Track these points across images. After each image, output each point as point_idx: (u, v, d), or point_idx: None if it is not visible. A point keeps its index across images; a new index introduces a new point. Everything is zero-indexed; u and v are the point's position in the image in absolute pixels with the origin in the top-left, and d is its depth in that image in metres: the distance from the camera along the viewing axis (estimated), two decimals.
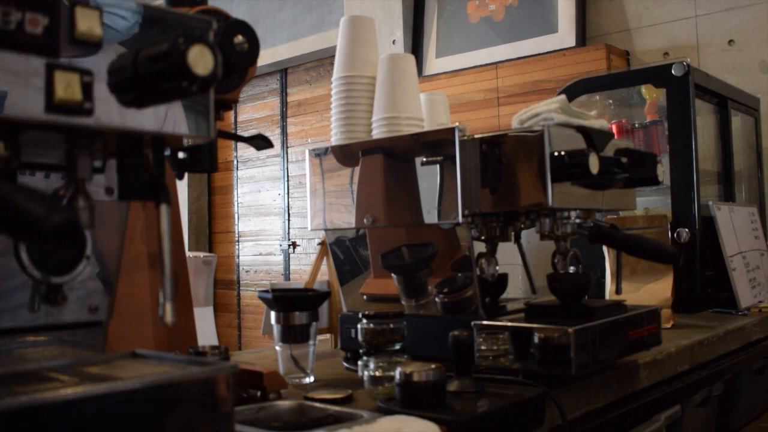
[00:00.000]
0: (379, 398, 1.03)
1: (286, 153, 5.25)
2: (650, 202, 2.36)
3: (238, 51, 0.86)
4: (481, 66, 3.82)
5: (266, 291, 1.29)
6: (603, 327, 1.18)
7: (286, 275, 5.15)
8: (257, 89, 5.44)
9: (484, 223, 1.27)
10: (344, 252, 1.45)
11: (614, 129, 2.50)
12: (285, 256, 5.20)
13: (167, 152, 0.86)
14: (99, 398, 0.64)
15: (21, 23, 0.60)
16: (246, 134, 1.07)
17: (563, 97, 1.32)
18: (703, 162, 2.27)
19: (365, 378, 1.14)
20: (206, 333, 4.80)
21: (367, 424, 0.87)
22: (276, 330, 1.27)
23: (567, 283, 1.29)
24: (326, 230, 1.47)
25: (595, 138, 1.27)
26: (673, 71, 2.17)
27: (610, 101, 2.77)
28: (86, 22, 0.64)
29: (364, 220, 1.36)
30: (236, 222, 5.58)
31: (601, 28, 3.76)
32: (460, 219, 1.21)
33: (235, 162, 5.58)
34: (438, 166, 1.25)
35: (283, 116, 5.28)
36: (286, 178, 5.25)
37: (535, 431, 1.06)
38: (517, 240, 1.36)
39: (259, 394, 1.04)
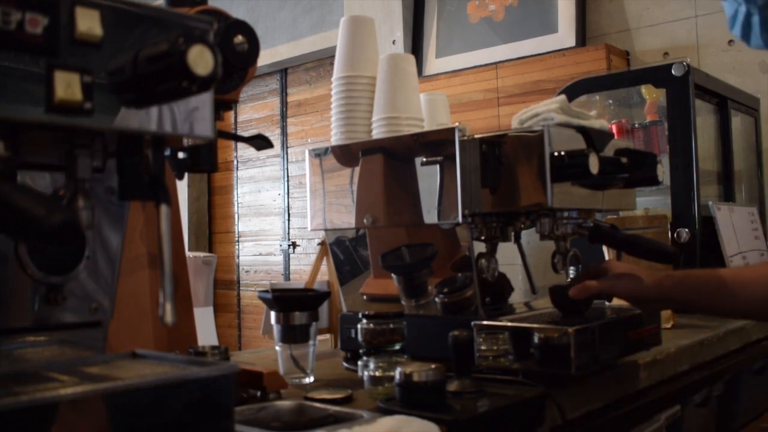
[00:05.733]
0: (379, 398, 1.03)
1: (286, 153, 5.25)
2: (650, 202, 2.36)
3: (238, 51, 0.86)
4: (481, 66, 3.82)
5: (266, 291, 1.29)
6: (603, 327, 1.18)
7: (286, 275, 5.15)
8: (257, 89, 5.43)
9: (484, 223, 1.27)
10: (344, 252, 1.45)
11: (614, 129, 2.50)
12: (285, 256, 5.20)
13: (167, 152, 0.86)
14: (99, 398, 0.64)
15: (21, 23, 0.60)
16: (246, 134, 1.07)
17: (563, 97, 1.32)
18: (703, 162, 2.27)
19: (365, 378, 1.14)
20: (206, 333, 4.79)
21: (367, 424, 0.87)
22: (276, 330, 1.27)
23: (569, 297, 1.29)
24: (326, 230, 1.47)
25: (595, 138, 1.27)
26: (673, 71, 2.17)
27: (610, 101, 2.77)
28: (86, 22, 0.64)
29: (364, 220, 1.36)
30: (236, 222, 5.57)
31: (601, 28, 3.76)
32: (460, 219, 1.21)
33: (235, 162, 5.58)
34: (438, 166, 1.25)
35: (283, 116, 5.28)
36: (286, 178, 5.25)
37: (535, 431, 1.06)
38: (517, 240, 1.36)
39: (259, 394, 1.04)
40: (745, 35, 1.09)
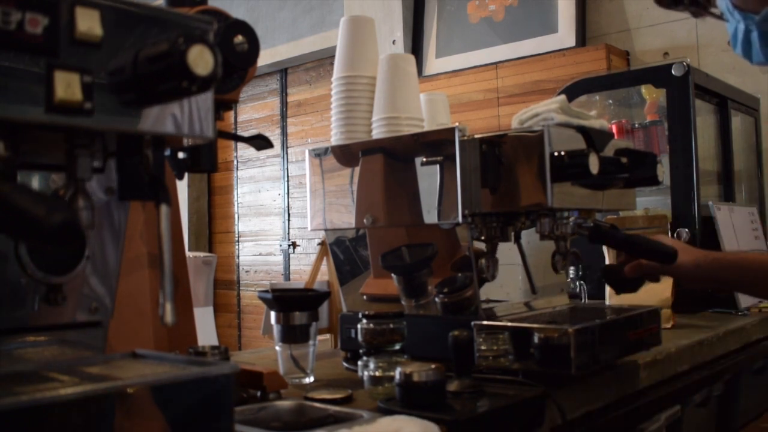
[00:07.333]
0: (379, 398, 1.03)
1: (286, 153, 5.25)
2: (650, 202, 2.36)
3: (238, 51, 0.86)
4: (481, 66, 3.82)
5: (266, 291, 1.29)
6: (603, 327, 1.18)
7: (286, 275, 5.15)
8: (257, 89, 5.43)
9: (484, 223, 1.27)
10: (344, 252, 1.45)
11: (614, 129, 2.50)
12: (285, 256, 5.20)
13: (167, 152, 0.86)
14: (99, 398, 0.64)
15: (21, 23, 0.60)
16: (246, 134, 1.07)
17: (563, 97, 1.32)
18: (703, 162, 2.27)
19: (365, 378, 1.14)
20: (206, 333, 4.79)
21: (367, 424, 0.87)
22: (276, 330, 1.27)
23: (623, 275, 1.37)
24: (326, 230, 1.47)
25: (595, 138, 1.27)
26: (673, 71, 2.17)
27: (610, 101, 2.77)
28: (86, 22, 0.64)
29: (364, 220, 1.36)
30: (236, 222, 5.57)
31: (601, 28, 3.75)
32: (460, 219, 1.21)
33: (235, 162, 5.58)
34: (438, 166, 1.25)
35: (283, 116, 5.28)
36: (286, 178, 5.25)
37: (535, 431, 1.06)
38: (517, 240, 1.36)
39: (259, 394, 1.04)
40: (746, 52, 1.09)
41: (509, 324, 1.18)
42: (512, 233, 1.31)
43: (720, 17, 1.10)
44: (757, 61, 1.10)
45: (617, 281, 1.39)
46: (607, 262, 1.87)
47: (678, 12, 1.12)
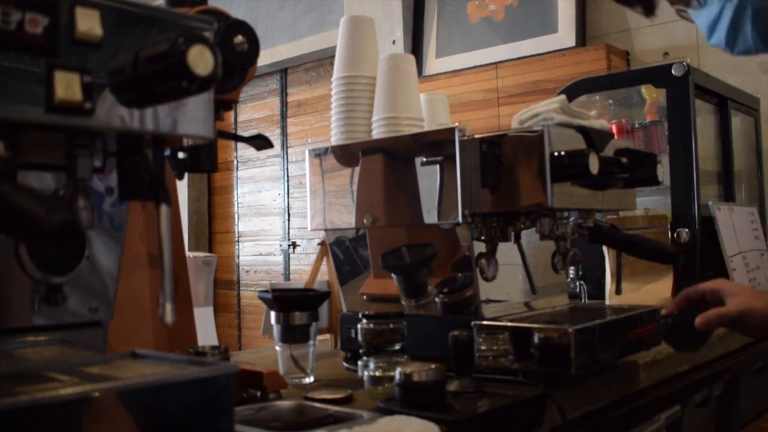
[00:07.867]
0: (379, 398, 1.03)
1: (286, 153, 5.25)
2: (650, 202, 2.36)
3: (238, 51, 0.86)
4: (481, 66, 3.82)
5: (266, 291, 1.29)
6: (603, 327, 1.19)
7: (286, 275, 5.15)
8: (257, 89, 5.43)
9: (484, 223, 1.27)
10: (344, 252, 1.45)
11: (614, 129, 2.50)
12: (285, 256, 5.20)
13: (167, 152, 0.86)
14: (99, 398, 0.64)
15: (21, 23, 0.60)
16: (246, 134, 1.07)
17: (563, 97, 1.32)
18: (703, 162, 2.27)
19: (365, 378, 1.14)
20: (206, 333, 4.79)
21: (367, 424, 0.87)
22: (276, 330, 1.27)
23: (687, 327, 1.23)
24: (326, 230, 1.47)
25: (595, 138, 1.27)
26: (673, 71, 2.17)
27: (610, 101, 2.77)
28: (86, 22, 0.64)
29: (364, 220, 1.36)
30: (236, 222, 5.57)
31: (601, 28, 3.75)
32: (460, 219, 1.21)
33: (235, 162, 5.58)
34: (438, 166, 1.25)
35: (283, 116, 5.28)
36: (286, 178, 5.25)
37: (535, 431, 1.06)
38: (517, 240, 1.36)
39: (259, 394, 1.04)
40: (730, 39, 1.04)
41: (509, 324, 1.18)
42: (512, 233, 1.31)
43: (686, 6, 1.04)
44: (741, 49, 1.04)
45: (682, 336, 1.24)
46: (607, 262, 1.87)
47: (633, 11, 1.07)
